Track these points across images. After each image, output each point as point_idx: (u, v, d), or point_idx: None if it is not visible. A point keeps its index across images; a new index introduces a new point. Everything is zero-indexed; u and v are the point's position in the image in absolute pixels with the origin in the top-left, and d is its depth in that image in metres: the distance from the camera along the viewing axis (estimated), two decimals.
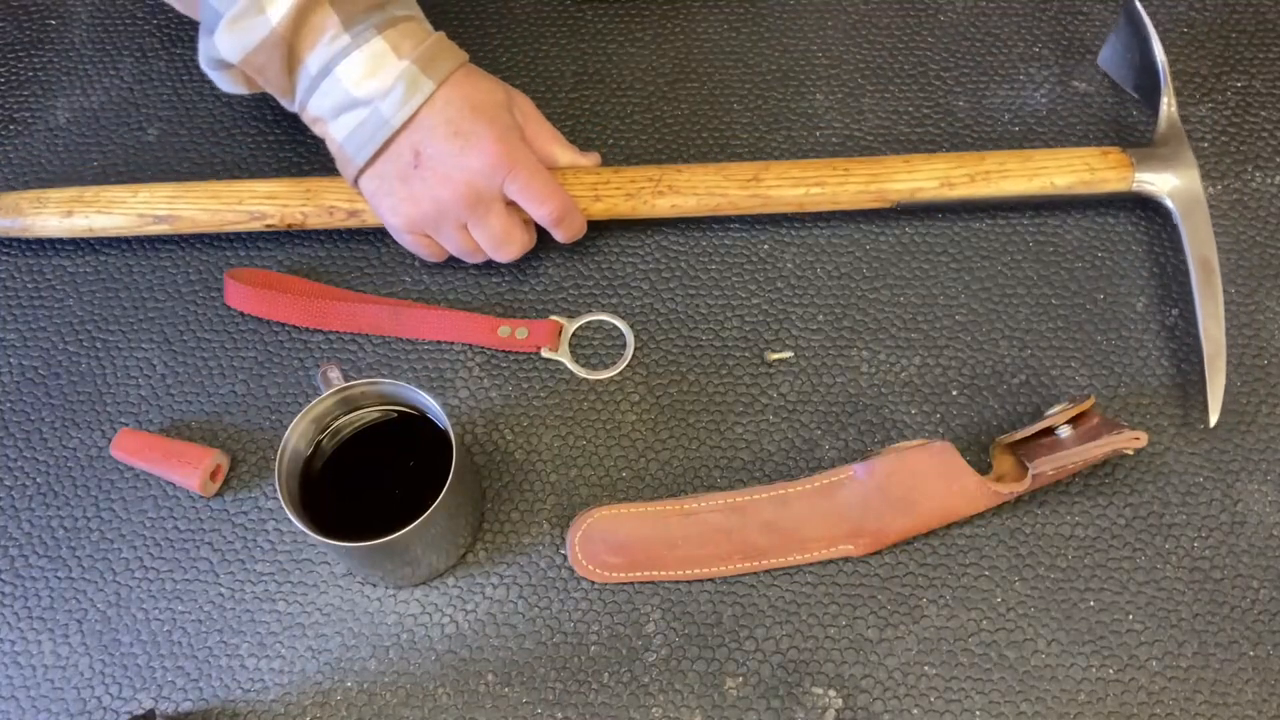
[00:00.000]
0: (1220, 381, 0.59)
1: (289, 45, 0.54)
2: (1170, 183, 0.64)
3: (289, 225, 0.64)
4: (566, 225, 0.61)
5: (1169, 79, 0.65)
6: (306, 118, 0.58)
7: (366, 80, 0.55)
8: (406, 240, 0.61)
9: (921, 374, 0.62)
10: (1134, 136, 0.70)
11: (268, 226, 0.64)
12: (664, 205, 0.64)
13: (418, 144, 0.56)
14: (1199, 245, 0.62)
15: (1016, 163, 0.64)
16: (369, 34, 0.54)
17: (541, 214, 0.60)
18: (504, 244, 0.60)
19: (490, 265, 0.66)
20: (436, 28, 0.59)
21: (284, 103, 0.59)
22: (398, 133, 0.56)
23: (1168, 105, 0.65)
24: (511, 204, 0.60)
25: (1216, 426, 0.60)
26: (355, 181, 0.59)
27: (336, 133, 0.57)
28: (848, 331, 0.64)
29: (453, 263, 0.66)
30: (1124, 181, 0.64)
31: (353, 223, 0.64)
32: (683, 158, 0.70)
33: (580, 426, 0.61)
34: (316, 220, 0.64)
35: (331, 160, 0.60)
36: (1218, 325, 0.60)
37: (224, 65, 0.59)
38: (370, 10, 0.55)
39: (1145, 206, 0.67)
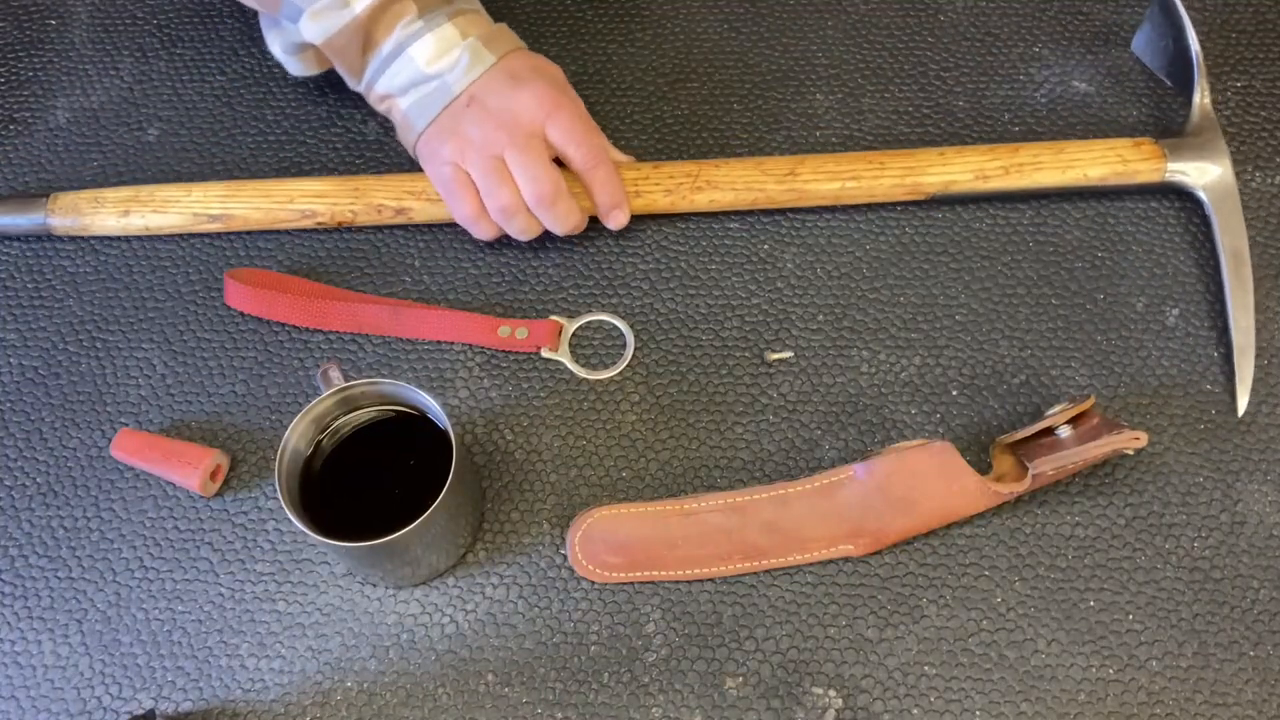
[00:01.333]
0: (1249, 370, 0.60)
1: (366, 31, 0.60)
2: (1203, 172, 0.64)
3: (339, 223, 0.66)
4: (604, 176, 0.62)
5: (1203, 68, 0.66)
6: (374, 96, 0.63)
7: (436, 59, 0.60)
8: (459, 207, 0.62)
9: (921, 374, 0.62)
10: (1136, 137, 0.69)
11: (318, 224, 0.66)
12: (702, 200, 0.65)
13: (474, 92, 0.60)
14: (1231, 236, 0.63)
15: (1050, 155, 0.65)
16: (440, 19, 0.60)
17: (579, 155, 0.61)
18: (537, 181, 0.60)
19: (490, 265, 0.66)
20: None
21: (350, 82, 0.64)
22: (458, 97, 0.61)
23: (1201, 95, 0.66)
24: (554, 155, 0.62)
25: (1217, 427, 0.60)
26: (414, 147, 0.63)
27: (404, 104, 0.62)
28: (848, 331, 0.64)
29: (453, 262, 0.66)
30: (1156, 172, 0.64)
31: (400, 219, 0.66)
32: (683, 158, 0.70)
33: (580, 426, 0.61)
34: (366, 217, 0.66)
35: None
36: (1247, 315, 0.61)
37: (300, 50, 0.66)
38: (442, 2, 0.61)
39: (1177, 196, 0.67)
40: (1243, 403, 0.60)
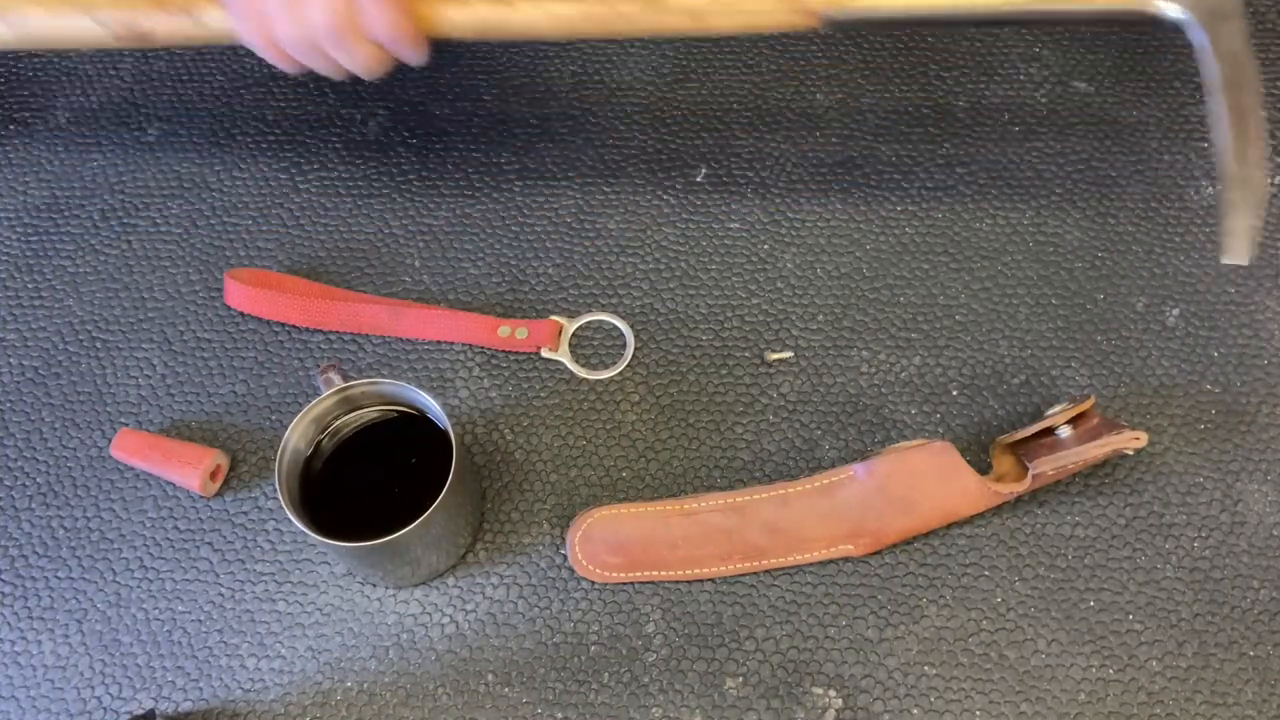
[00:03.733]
0: (1245, 218, 0.54)
1: None
2: None
3: (133, 38, 0.58)
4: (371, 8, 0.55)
5: None
6: None
7: None
8: (248, 31, 0.56)
9: (921, 374, 0.62)
10: (1133, 138, 0.70)
11: (115, 41, 0.59)
12: (538, 14, 0.57)
13: None
14: (1229, 60, 0.55)
15: None
16: None
17: None
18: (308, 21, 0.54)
19: (490, 265, 0.66)
20: None
21: None
22: None
23: None
24: None
25: (1217, 427, 0.60)
26: None
27: None
28: (848, 331, 0.64)
29: (453, 262, 0.66)
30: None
31: (197, 32, 0.58)
32: (683, 159, 0.70)
33: (580, 426, 0.61)
34: (162, 28, 0.58)
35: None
36: (1248, 164, 0.54)
37: None
38: None
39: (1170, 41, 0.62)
40: (1233, 252, 0.54)
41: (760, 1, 0.56)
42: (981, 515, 0.58)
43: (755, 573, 0.57)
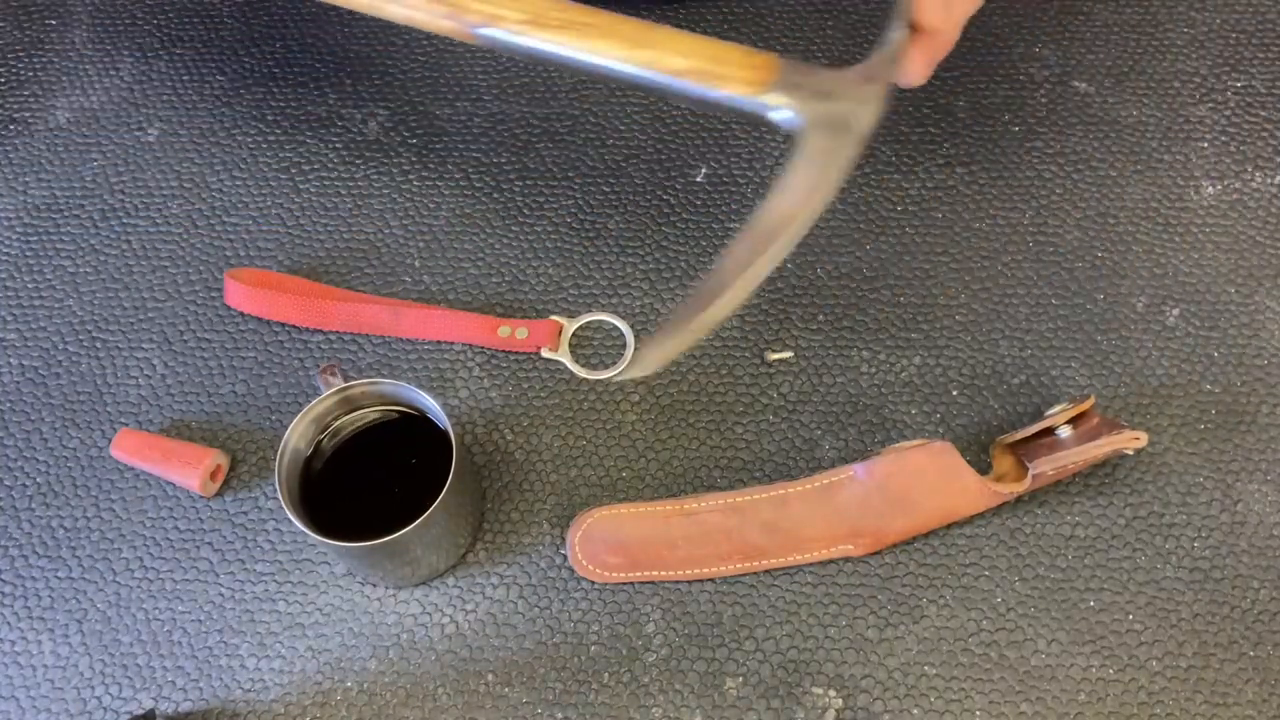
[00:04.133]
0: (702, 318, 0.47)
1: None
2: (813, 116, 0.49)
3: None
4: None
5: None
6: None
7: None
8: None
9: (921, 374, 0.62)
10: (1133, 138, 0.70)
11: None
12: None
13: None
14: (805, 192, 0.49)
15: (666, 29, 0.51)
16: None
17: None
18: None
19: (490, 265, 0.66)
20: None
21: None
22: None
23: (896, 28, 0.51)
24: None
25: (1217, 427, 0.60)
26: None
27: None
28: (848, 331, 0.64)
29: (453, 262, 0.66)
30: (748, 85, 0.49)
31: None
32: (683, 159, 0.70)
33: (580, 426, 0.61)
34: None
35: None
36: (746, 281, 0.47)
37: None
38: None
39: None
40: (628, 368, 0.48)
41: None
42: (981, 515, 0.58)
43: (755, 573, 0.57)
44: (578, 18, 0.51)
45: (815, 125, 0.50)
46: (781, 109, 0.50)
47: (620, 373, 0.50)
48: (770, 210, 0.48)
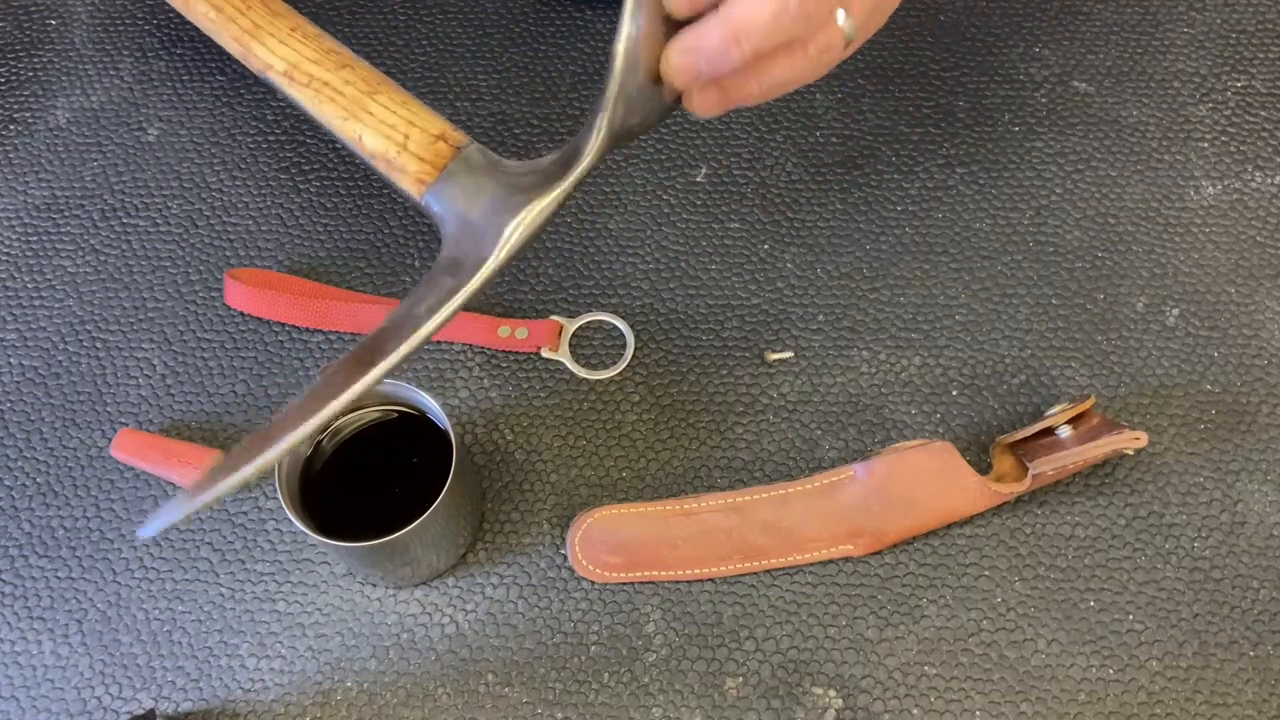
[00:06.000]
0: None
1: None
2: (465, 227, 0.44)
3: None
4: None
5: (616, 93, 0.41)
6: None
7: None
8: None
9: (921, 374, 0.62)
10: (1133, 138, 0.70)
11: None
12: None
13: None
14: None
15: (386, 98, 0.48)
16: None
17: None
18: None
19: None
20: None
21: None
22: None
23: (595, 131, 0.42)
24: None
25: (1217, 427, 0.60)
26: None
27: None
28: (848, 331, 0.64)
29: None
30: (417, 184, 0.46)
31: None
32: (683, 159, 0.70)
33: (580, 426, 0.61)
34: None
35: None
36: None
37: None
38: None
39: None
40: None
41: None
42: (981, 515, 0.58)
43: (755, 573, 0.57)
44: (320, 74, 0.48)
45: (445, 244, 0.45)
46: (436, 218, 0.45)
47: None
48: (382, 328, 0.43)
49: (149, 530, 0.42)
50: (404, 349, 0.41)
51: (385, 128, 0.47)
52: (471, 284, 0.42)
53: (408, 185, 0.46)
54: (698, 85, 0.43)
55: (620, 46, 0.40)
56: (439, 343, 0.64)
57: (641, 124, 0.44)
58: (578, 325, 0.64)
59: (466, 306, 0.43)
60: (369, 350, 0.41)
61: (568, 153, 0.44)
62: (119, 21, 0.77)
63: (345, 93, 0.48)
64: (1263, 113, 0.70)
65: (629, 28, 0.40)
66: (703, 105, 0.44)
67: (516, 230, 0.43)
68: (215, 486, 0.40)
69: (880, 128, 0.71)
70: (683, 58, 0.41)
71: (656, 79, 0.42)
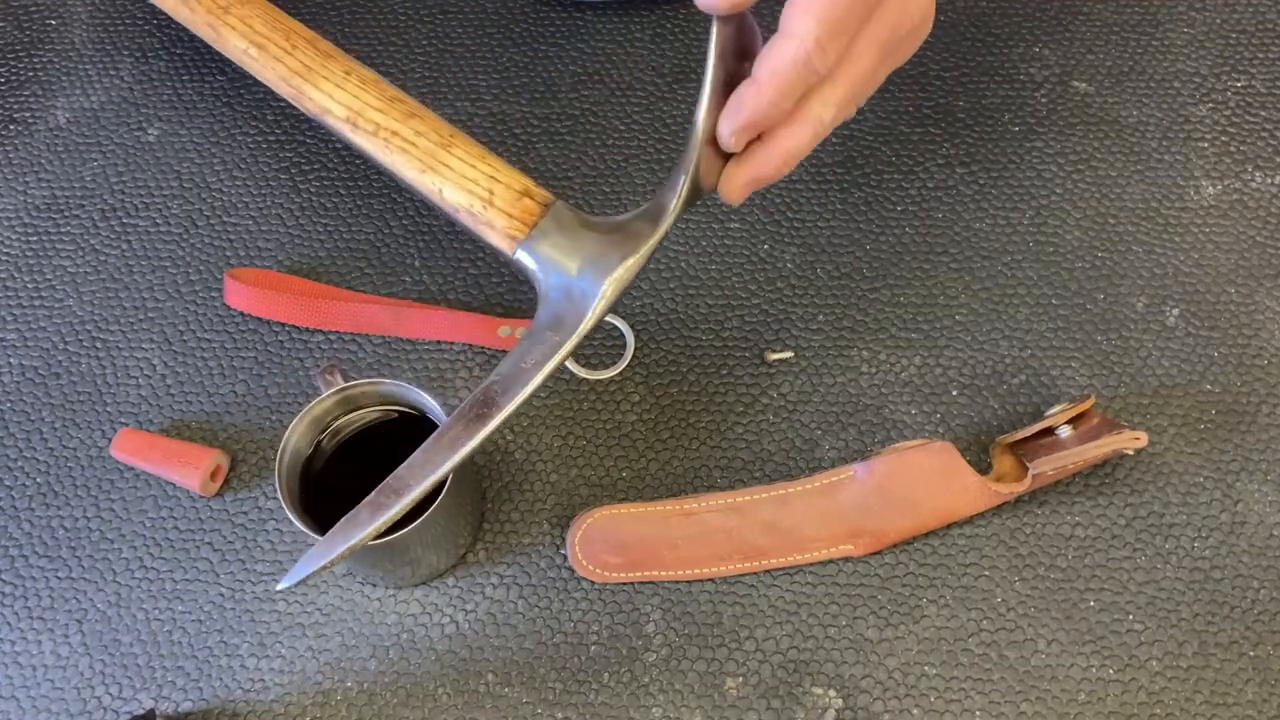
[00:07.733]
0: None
1: None
2: (560, 284, 0.47)
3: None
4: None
5: (697, 158, 0.46)
6: None
7: None
8: None
9: (921, 374, 0.62)
10: (1133, 138, 0.70)
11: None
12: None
13: None
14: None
15: (463, 150, 0.50)
16: None
17: None
18: None
19: (490, 265, 0.66)
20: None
21: None
22: None
23: (678, 193, 0.47)
24: None
25: (1217, 427, 0.60)
26: None
27: None
28: (848, 331, 0.64)
29: (453, 262, 0.66)
30: (507, 239, 0.49)
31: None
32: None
33: (580, 426, 0.61)
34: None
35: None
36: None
37: None
38: None
39: None
40: None
41: None
42: (981, 515, 0.58)
43: (755, 573, 0.57)
44: (387, 123, 0.50)
45: (544, 301, 0.48)
46: (531, 274, 0.48)
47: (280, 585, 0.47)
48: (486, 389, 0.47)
49: (288, 582, 0.46)
50: (517, 401, 0.46)
51: (467, 182, 0.49)
52: (573, 339, 0.47)
53: (495, 240, 0.49)
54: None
55: (700, 119, 0.45)
56: (439, 343, 0.64)
57: (709, 185, 0.48)
58: None
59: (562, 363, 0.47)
60: (483, 405, 0.46)
61: (652, 210, 0.48)
62: (119, 21, 0.77)
63: (418, 144, 0.50)
64: (1263, 113, 0.70)
65: (706, 102, 0.44)
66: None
67: (611, 286, 0.47)
68: (349, 539, 0.45)
69: (880, 128, 0.71)
70: (744, 184, 0.47)
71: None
